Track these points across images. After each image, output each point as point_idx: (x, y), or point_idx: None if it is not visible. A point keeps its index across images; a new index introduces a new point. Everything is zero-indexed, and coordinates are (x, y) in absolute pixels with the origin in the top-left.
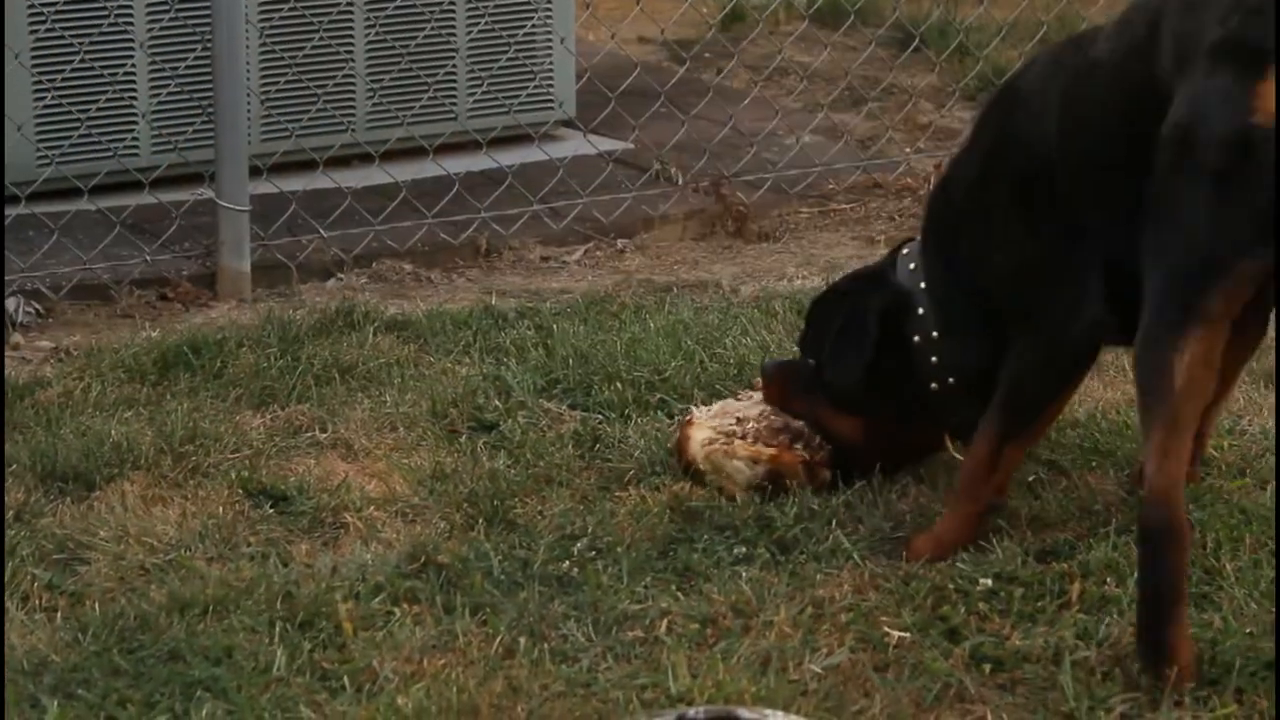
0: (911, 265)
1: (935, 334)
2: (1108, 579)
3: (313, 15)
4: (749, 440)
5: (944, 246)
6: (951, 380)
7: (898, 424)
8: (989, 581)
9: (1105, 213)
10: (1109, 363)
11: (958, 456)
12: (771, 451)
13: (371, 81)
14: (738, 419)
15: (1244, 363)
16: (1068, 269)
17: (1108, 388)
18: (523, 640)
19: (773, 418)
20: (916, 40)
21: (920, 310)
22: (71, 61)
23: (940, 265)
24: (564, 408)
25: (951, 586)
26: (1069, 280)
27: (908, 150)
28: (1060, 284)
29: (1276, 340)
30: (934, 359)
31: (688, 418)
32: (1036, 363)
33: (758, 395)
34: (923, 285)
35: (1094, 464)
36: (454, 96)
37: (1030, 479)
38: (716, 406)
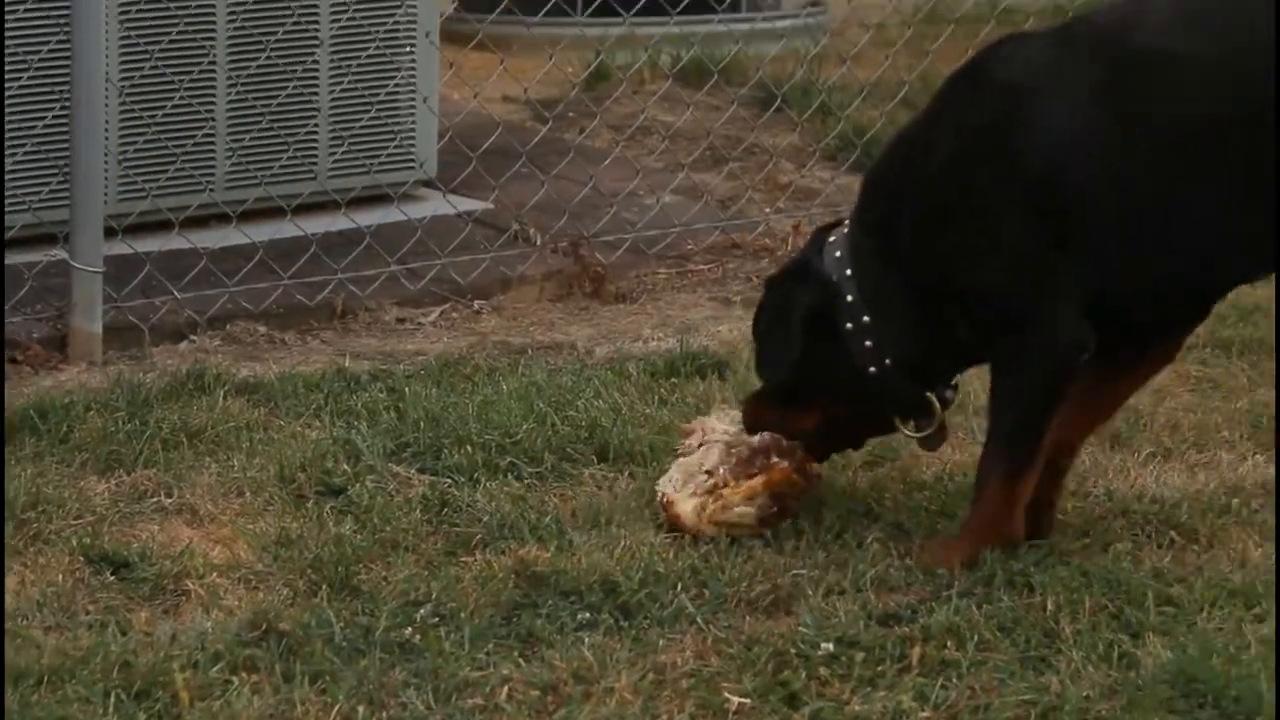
0: (838, 253)
1: (866, 319)
2: (949, 643)
3: (174, 74)
4: (732, 484)
5: (879, 232)
6: (888, 362)
7: (846, 411)
8: (830, 646)
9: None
10: (958, 424)
11: (907, 434)
12: (762, 479)
13: (232, 141)
14: (707, 473)
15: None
16: (1057, 283)
17: (956, 450)
18: (361, 708)
19: (734, 451)
20: (778, 100)
21: (849, 297)
22: None
23: (872, 250)
24: (413, 471)
25: (793, 651)
26: (1058, 295)
27: (767, 210)
28: (1050, 298)
29: (1277, 342)
30: (868, 343)
31: (665, 499)
32: (1030, 388)
33: (694, 439)
34: (849, 272)
35: (939, 527)
36: (314, 156)
37: (873, 540)
38: (676, 473)
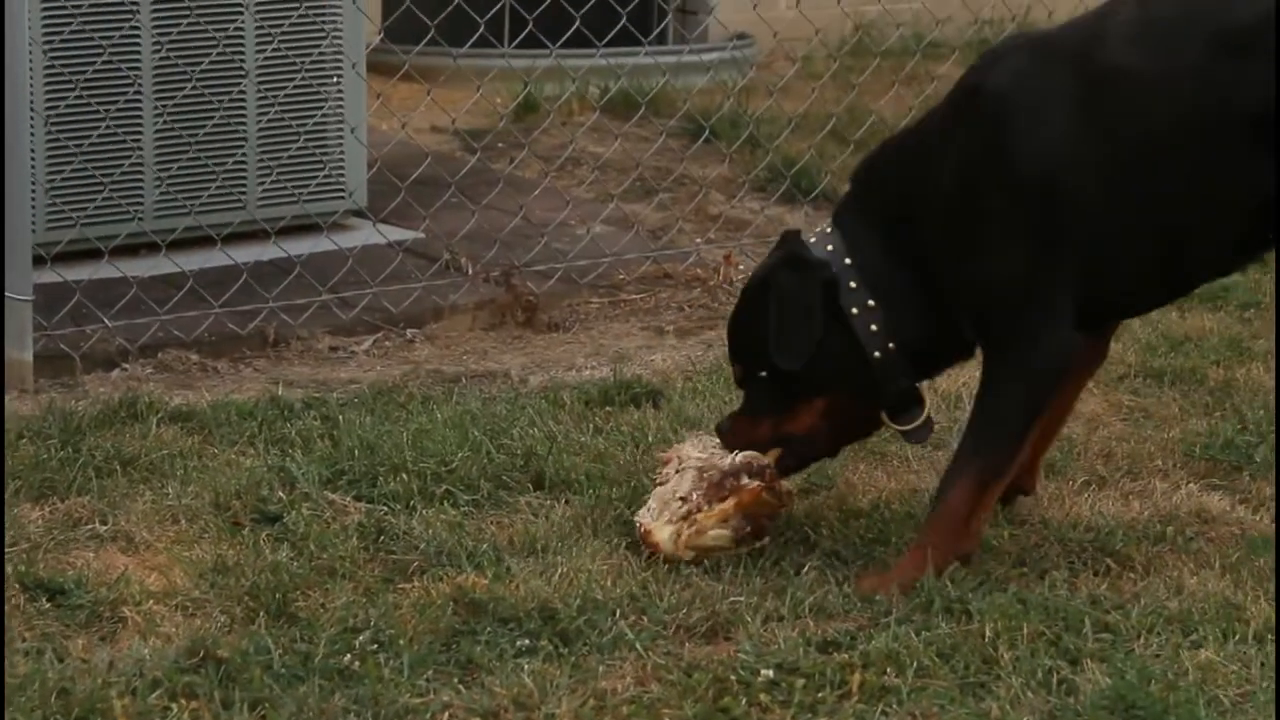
0: (830, 246)
1: (871, 303)
2: (888, 669)
3: (100, 103)
4: (705, 509)
5: (883, 224)
6: (892, 345)
7: (848, 400)
8: (770, 672)
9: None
10: (893, 453)
11: (895, 428)
12: (734, 500)
13: (160, 170)
14: (681, 499)
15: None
16: (1049, 289)
17: (891, 478)
18: None
19: (706, 476)
20: (707, 131)
21: (852, 284)
22: None
23: (874, 238)
24: (349, 499)
25: (733, 677)
26: (1049, 301)
27: (698, 240)
28: (1041, 305)
29: (1277, 345)
30: (873, 328)
31: (643, 529)
32: (1016, 392)
33: (670, 469)
34: (848, 261)
35: (878, 554)
36: (243, 185)
37: (810, 567)
38: (653, 502)
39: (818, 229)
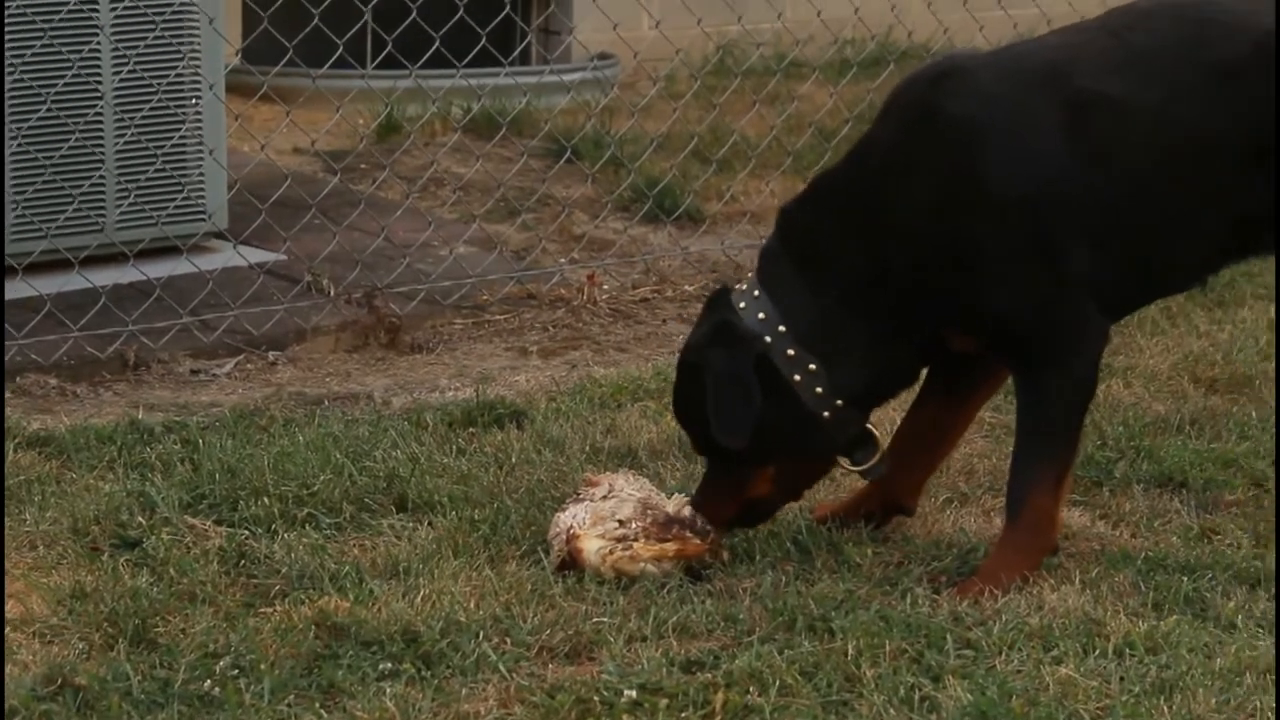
0: (761, 314)
1: (813, 366)
2: (751, 688)
3: None
4: (644, 541)
5: (815, 268)
6: (840, 402)
7: (797, 462)
8: (634, 693)
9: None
10: None
11: (850, 469)
12: (675, 547)
13: (15, 193)
14: (619, 521)
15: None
16: (1064, 291)
17: None
18: None
19: (650, 512)
20: (569, 151)
21: (789, 352)
22: None
23: (806, 292)
24: (209, 523)
25: (597, 698)
26: (1068, 302)
27: (561, 260)
28: (1062, 308)
29: (1277, 345)
30: (818, 390)
31: (571, 532)
32: (1070, 390)
33: (600, 490)
34: (782, 329)
35: (740, 569)
36: (101, 208)
37: (673, 586)
38: (582, 512)
39: (745, 288)
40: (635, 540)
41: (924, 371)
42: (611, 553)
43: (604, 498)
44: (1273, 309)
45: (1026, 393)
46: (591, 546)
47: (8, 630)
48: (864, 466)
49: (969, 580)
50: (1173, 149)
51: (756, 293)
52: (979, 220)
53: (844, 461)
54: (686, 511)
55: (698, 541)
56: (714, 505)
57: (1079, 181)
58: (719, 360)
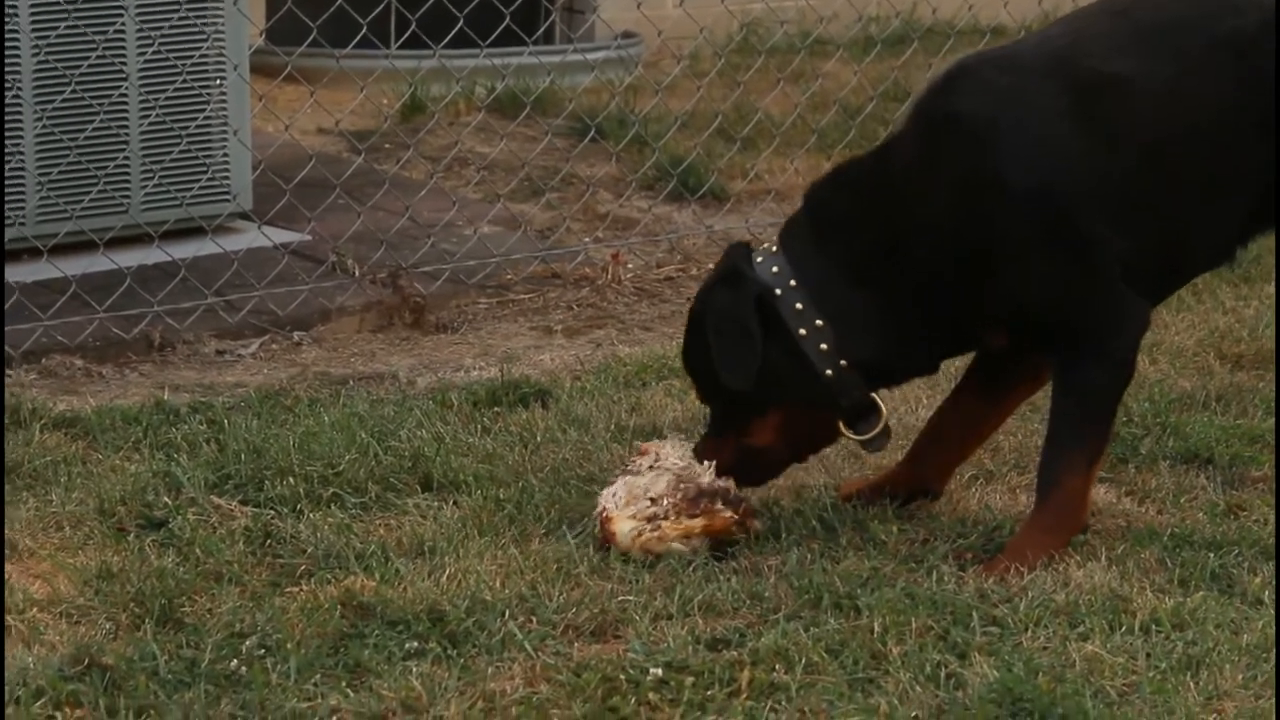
0: (775, 268)
1: (820, 323)
2: (777, 666)
3: None
4: (673, 518)
5: (837, 244)
6: (844, 363)
7: (804, 413)
8: (659, 671)
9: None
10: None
11: (852, 438)
12: (702, 522)
13: (40, 174)
14: (651, 499)
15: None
16: (1099, 279)
17: (782, 475)
18: None
19: (683, 486)
20: (593, 130)
21: (798, 305)
22: None
23: (826, 260)
24: (235, 504)
25: (623, 676)
26: (1104, 289)
27: (586, 240)
28: (1098, 296)
29: (1277, 343)
30: (823, 347)
31: (604, 514)
32: (1109, 374)
33: (647, 459)
34: (793, 283)
35: (766, 546)
36: (126, 189)
37: (698, 564)
38: (620, 490)
39: (765, 247)
40: (664, 519)
41: (949, 361)
42: (640, 534)
43: (650, 468)
44: None
45: (1063, 377)
46: (623, 529)
47: (35, 611)
48: (866, 436)
49: (996, 557)
50: (1188, 124)
51: (775, 250)
52: (1001, 214)
53: (847, 431)
54: (719, 482)
55: (727, 514)
56: (714, 450)
57: (1095, 165)
58: (722, 301)
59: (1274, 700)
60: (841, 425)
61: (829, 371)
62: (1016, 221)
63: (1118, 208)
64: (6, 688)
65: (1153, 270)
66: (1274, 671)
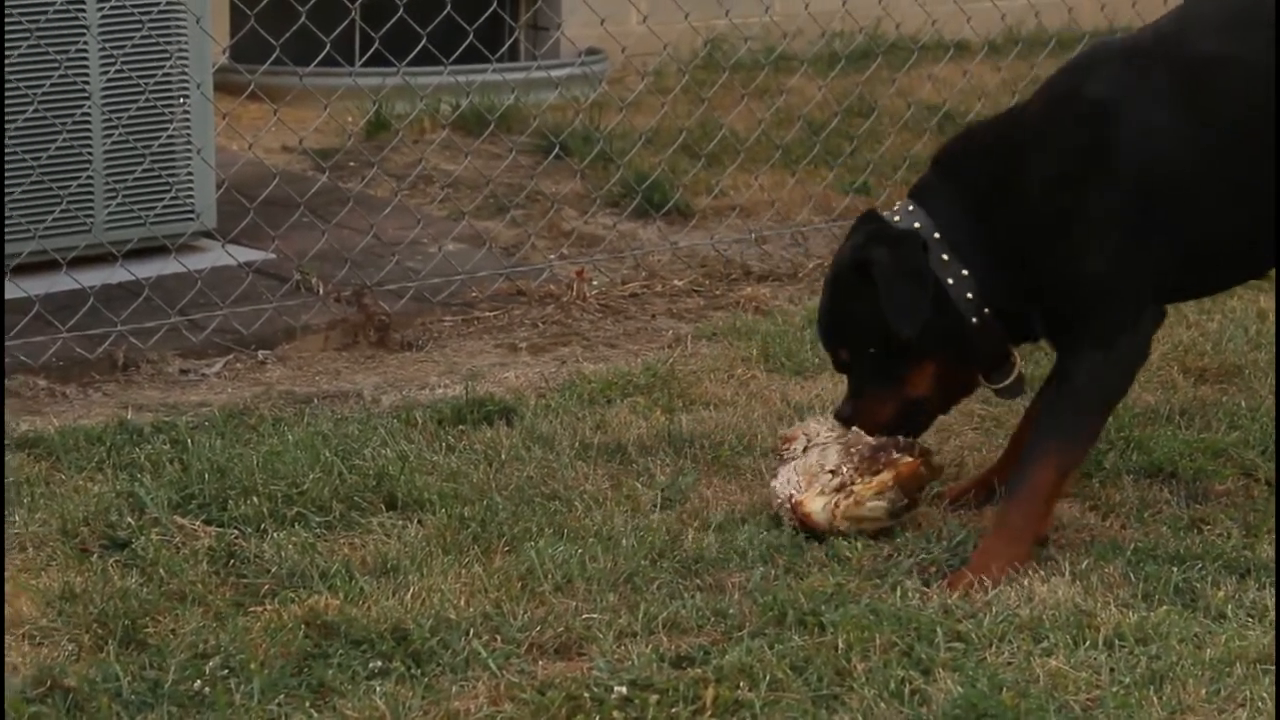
0: (916, 222)
1: (965, 272)
2: (741, 683)
3: None
4: (862, 480)
5: (968, 200)
6: (987, 311)
7: (951, 363)
8: (624, 689)
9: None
10: (746, 466)
11: (989, 387)
12: (890, 474)
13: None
14: (830, 472)
15: None
16: (1138, 284)
17: (744, 491)
18: None
19: (854, 449)
20: (558, 147)
21: (944, 256)
22: None
23: (960, 215)
24: (199, 523)
25: (587, 695)
26: (1137, 296)
27: (551, 257)
28: (1130, 300)
29: (1278, 350)
30: (969, 295)
31: (793, 500)
32: (1099, 384)
33: (799, 443)
34: (936, 235)
35: (732, 564)
36: (90, 208)
37: (663, 582)
38: (794, 475)
39: (896, 206)
40: (853, 484)
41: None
42: (837, 505)
43: (805, 450)
44: (1262, 299)
45: (1065, 371)
46: (816, 506)
47: None
48: (1002, 384)
49: (959, 572)
50: (1265, 103)
51: (911, 207)
52: (1092, 187)
53: (983, 380)
54: (887, 437)
55: (909, 459)
56: (872, 410)
57: (1194, 145)
58: (887, 255)
59: (1241, 713)
60: (980, 376)
61: (974, 319)
62: (1101, 197)
63: (1207, 190)
64: None
65: (1221, 258)
66: (1274, 672)
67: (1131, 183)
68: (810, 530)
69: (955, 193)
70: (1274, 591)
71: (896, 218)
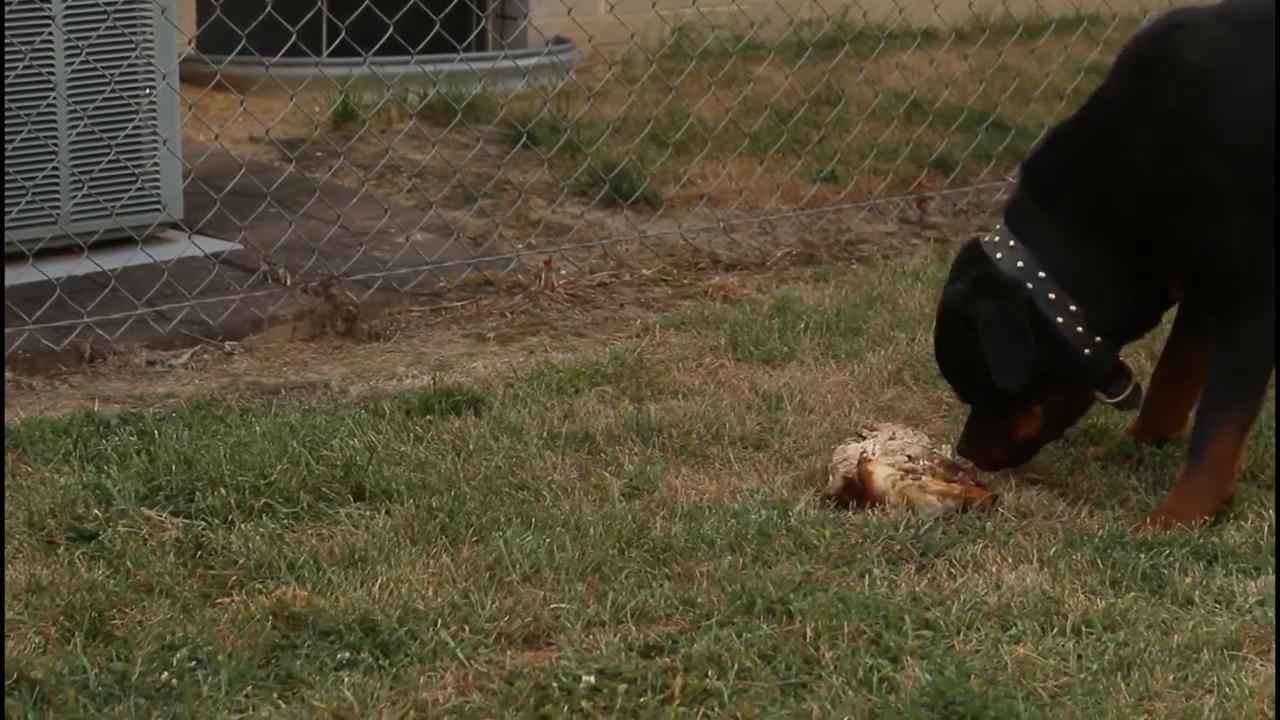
0: (1020, 263)
1: (1074, 308)
2: (709, 672)
3: None
4: (933, 477)
5: (1064, 214)
6: (1099, 339)
7: (1061, 399)
8: (592, 679)
9: None
10: (714, 455)
11: (1107, 402)
12: (961, 488)
13: None
14: (909, 456)
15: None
16: (1268, 245)
17: (712, 480)
18: None
19: (936, 455)
20: (525, 137)
21: (1051, 295)
22: None
23: (1059, 235)
24: (166, 515)
25: (555, 685)
26: (1269, 256)
27: (519, 246)
28: (1266, 260)
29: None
30: (1079, 329)
31: (864, 456)
32: (1260, 345)
33: (883, 434)
34: (1041, 275)
35: (700, 553)
36: (56, 200)
37: (631, 571)
38: (874, 445)
39: (998, 239)
40: (924, 475)
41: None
42: (902, 479)
43: (889, 439)
44: None
45: (1224, 339)
46: (882, 472)
47: None
48: (1119, 398)
49: (1153, 513)
50: None
51: (1012, 242)
52: (1206, 161)
53: (1100, 396)
54: (968, 462)
55: (982, 489)
56: (985, 449)
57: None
58: (990, 310)
59: (1209, 699)
60: (1097, 393)
61: (1087, 351)
62: (1219, 171)
63: None
64: None
65: None
66: (1274, 670)
67: (1245, 149)
68: (857, 489)
69: (1055, 216)
70: (1276, 586)
71: (999, 255)
